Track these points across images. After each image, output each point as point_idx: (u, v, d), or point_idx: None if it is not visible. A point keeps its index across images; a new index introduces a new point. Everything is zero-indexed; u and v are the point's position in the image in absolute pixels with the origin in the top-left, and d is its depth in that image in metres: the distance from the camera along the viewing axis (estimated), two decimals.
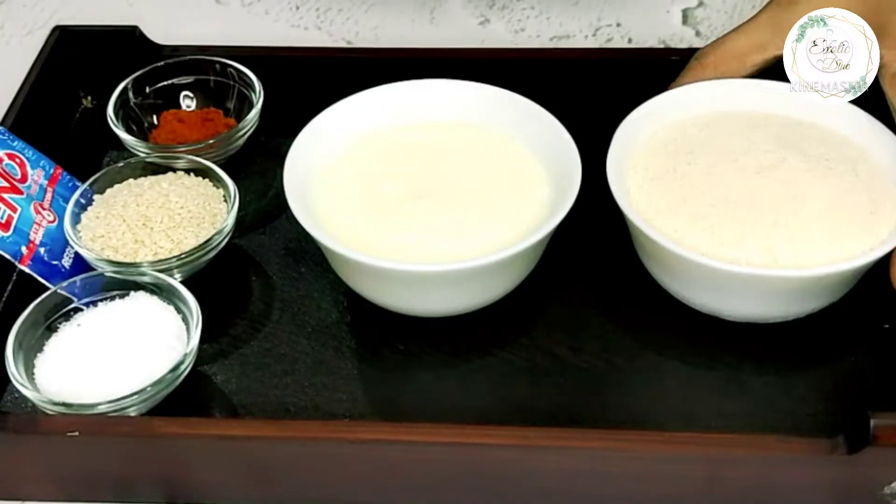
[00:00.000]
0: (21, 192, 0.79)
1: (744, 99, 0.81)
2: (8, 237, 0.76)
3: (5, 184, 0.78)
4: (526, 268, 0.75)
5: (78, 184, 0.83)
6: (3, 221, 0.76)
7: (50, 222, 0.79)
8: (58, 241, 0.79)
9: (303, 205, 0.74)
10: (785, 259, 0.70)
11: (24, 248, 0.77)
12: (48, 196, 0.81)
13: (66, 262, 0.79)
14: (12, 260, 0.76)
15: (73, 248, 0.78)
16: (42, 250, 0.78)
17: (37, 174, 0.81)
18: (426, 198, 0.76)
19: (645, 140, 0.79)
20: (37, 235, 0.78)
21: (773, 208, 0.73)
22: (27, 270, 0.77)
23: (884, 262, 0.73)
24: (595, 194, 0.75)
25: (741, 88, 0.81)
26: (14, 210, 0.77)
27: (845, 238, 0.71)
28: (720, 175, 0.75)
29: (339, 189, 0.78)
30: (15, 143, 0.81)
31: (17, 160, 0.80)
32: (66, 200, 0.80)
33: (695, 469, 0.66)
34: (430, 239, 0.74)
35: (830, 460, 0.64)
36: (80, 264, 0.79)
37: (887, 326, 0.75)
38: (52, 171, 0.82)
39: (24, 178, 0.80)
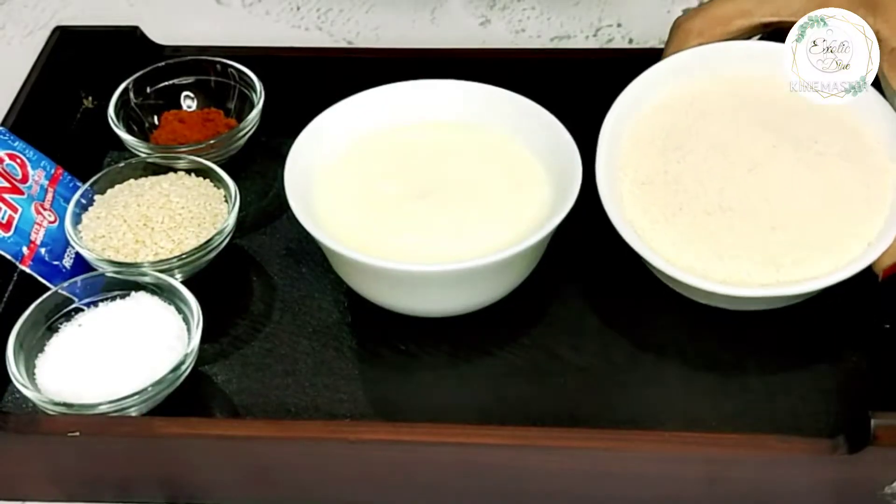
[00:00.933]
0: (22, 193, 0.79)
1: (726, 66, 0.80)
2: (9, 237, 0.76)
3: (6, 184, 0.78)
4: (526, 268, 0.75)
5: (79, 184, 0.83)
6: (4, 222, 0.76)
7: (51, 222, 0.79)
8: (59, 242, 0.79)
9: (303, 205, 0.74)
10: (786, 268, 0.71)
11: (25, 249, 0.77)
12: (49, 196, 0.81)
13: (67, 262, 0.79)
14: (13, 260, 0.76)
15: (73, 248, 0.78)
16: (43, 251, 0.78)
17: (37, 174, 0.81)
18: (427, 198, 0.76)
19: (631, 133, 0.78)
20: (38, 236, 0.78)
21: (769, 211, 0.73)
22: (28, 271, 0.77)
23: None
24: (596, 194, 0.74)
25: (721, 54, 0.80)
26: (15, 210, 0.77)
27: (844, 237, 0.72)
28: (712, 175, 0.75)
29: (340, 189, 0.78)
30: (16, 144, 0.81)
31: (18, 160, 0.80)
32: (67, 201, 0.80)
33: (695, 469, 0.66)
34: (431, 239, 0.74)
35: (831, 460, 0.64)
36: (81, 265, 0.79)
37: (888, 326, 0.75)
38: (52, 171, 0.82)
39: (24, 179, 0.80)
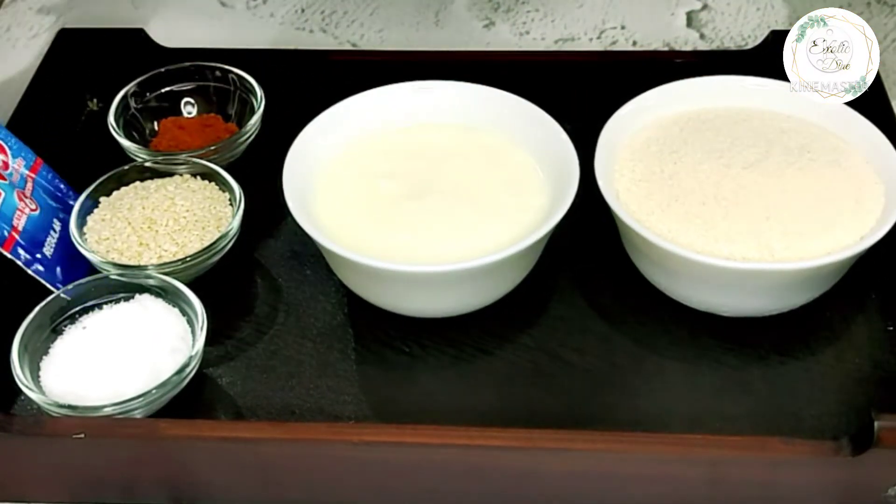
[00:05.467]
0: (4, 179, 0.78)
1: (721, 95, 0.82)
2: None
3: None
4: (524, 269, 0.75)
5: (57, 178, 0.83)
6: None
7: (32, 210, 0.79)
8: (40, 230, 0.79)
9: (301, 205, 0.74)
10: (780, 252, 0.71)
11: (6, 233, 0.76)
12: (29, 186, 0.80)
13: (48, 251, 0.79)
14: None
15: (77, 246, 0.78)
16: (24, 237, 0.77)
17: (17, 163, 0.81)
18: (424, 199, 0.76)
19: (629, 142, 0.79)
20: (20, 222, 0.77)
21: (763, 203, 0.74)
22: (8, 255, 0.76)
23: (884, 262, 0.75)
24: (598, 196, 0.75)
25: (717, 85, 0.82)
26: None
27: (836, 228, 0.72)
28: (707, 173, 0.76)
29: (339, 189, 0.78)
30: None
31: (0, 148, 0.80)
32: (46, 192, 0.80)
33: (699, 471, 0.66)
34: (427, 240, 0.74)
35: (834, 462, 0.64)
36: (62, 254, 0.79)
37: (891, 328, 0.75)
38: (33, 161, 0.82)
39: (5, 167, 0.79)
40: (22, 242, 0.77)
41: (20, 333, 0.72)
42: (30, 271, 0.76)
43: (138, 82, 0.90)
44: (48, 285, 0.76)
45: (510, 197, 0.77)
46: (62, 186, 0.83)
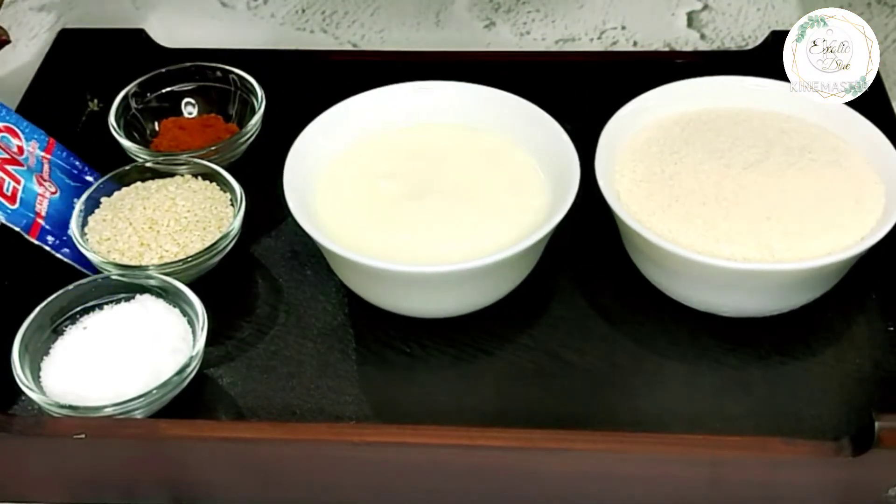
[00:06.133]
0: (21, 165, 0.78)
1: (721, 95, 0.82)
2: (16, 209, 0.76)
3: (6, 156, 0.77)
4: (524, 270, 0.75)
5: (72, 155, 0.83)
6: (9, 194, 0.76)
7: (52, 193, 0.79)
8: (63, 213, 0.79)
9: (302, 205, 0.74)
10: (780, 252, 0.71)
11: (31, 221, 0.76)
12: (46, 168, 0.80)
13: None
14: (22, 232, 0.76)
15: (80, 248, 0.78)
16: (49, 222, 0.77)
17: (31, 146, 0.80)
18: (425, 199, 0.76)
19: (629, 142, 0.79)
20: (42, 207, 0.77)
21: (764, 204, 0.74)
22: (37, 242, 0.76)
23: (884, 263, 0.75)
24: (598, 196, 0.75)
25: (718, 85, 0.82)
26: (18, 182, 0.77)
27: (836, 228, 0.72)
28: (708, 173, 0.76)
29: (340, 189, 0.78)
30: (9, 117, 0.81)
31: (13, 133, 0.80)
32: (63, 171, 0.80)
33: (699, 471, 0.66)
34: (429, 240, 0.74)
35: (835, 462, 0.64)
36: None
37: (892, 329, 0.75)
38: (46, 142, 0.82)
39: (21, 151, 0.79)
40: (47, 227, 0.77)
41: (21, 333, 0.72)
42: (58, 255, 0.76)
43: (139, 82, 0.90)
44: (79, 267, 0.76)
45: (510, 197, 0.77)
46: (77, 164, 0.84)
